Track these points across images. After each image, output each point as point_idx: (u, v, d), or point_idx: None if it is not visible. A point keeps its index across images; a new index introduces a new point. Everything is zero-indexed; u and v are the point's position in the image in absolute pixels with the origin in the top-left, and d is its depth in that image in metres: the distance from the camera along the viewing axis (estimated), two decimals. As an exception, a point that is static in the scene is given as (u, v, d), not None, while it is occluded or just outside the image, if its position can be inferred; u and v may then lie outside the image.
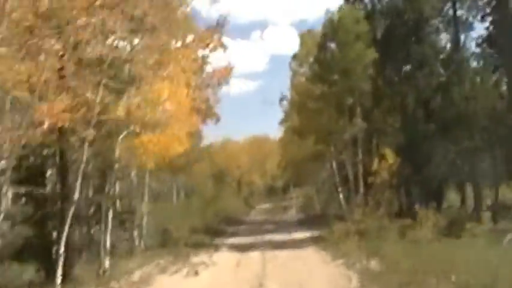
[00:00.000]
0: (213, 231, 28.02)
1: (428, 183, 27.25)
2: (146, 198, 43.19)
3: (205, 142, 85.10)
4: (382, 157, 20.40)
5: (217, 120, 19.76)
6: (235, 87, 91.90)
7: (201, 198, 55.69)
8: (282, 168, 65.21)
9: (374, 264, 13.01)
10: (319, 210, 42.53)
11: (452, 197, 33.21)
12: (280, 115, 46.89)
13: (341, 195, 40.69)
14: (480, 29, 31.03)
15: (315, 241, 20.84)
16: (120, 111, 11.05)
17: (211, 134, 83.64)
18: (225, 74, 19.41)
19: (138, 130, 11.84)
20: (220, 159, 80.00)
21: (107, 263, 13.60)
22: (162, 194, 71.41)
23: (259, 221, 39.61)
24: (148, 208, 43.25)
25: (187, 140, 13.00)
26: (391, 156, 20.20)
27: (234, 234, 27.44)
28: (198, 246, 20.84)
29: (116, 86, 10.61)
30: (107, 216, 14.37)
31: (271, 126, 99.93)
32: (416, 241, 15.20)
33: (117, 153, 12.54)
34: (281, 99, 32.27)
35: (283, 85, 38.91)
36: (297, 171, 53.42)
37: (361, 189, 28.00)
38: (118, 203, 20.13)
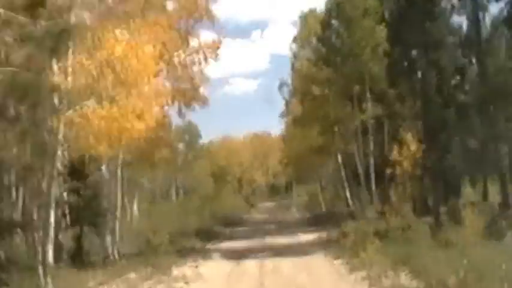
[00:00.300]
0: (208, 233, 24.73)
1: (447, 176, 24.00)
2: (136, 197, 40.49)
3: (205, 140, 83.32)
4: (403, 144, 17.04)
5: (205, 103, 16.40)
6: (236, 86, 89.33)
7: (199, 197, 52.65)
8: (284, 165, 61.88)
9: (407, 279, 9.76)
10: (325, 208, 39.32)
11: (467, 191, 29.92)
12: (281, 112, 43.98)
13: (348, 192, 37.72)
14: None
15: (324, 245, 17.57)
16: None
17: (212, 132, 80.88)
18: (213, 48, 16.11)
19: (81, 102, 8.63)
20: (221, 156, 76.86)
21: (48, 281, 10.19)
22: (161, 193, 68.81)
23: (260, 221, 36.37)
24: (138, 208, 40.39)
25: (151, 115, 9.64)
26: (413, 143, 16.88)
27: (231, 237, 24.20)
28: (186, 252, 17.63)
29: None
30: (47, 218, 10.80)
31: (272, 125, 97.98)
32: (454, 245, 11.94)
33: (60, 134, 9.23)
34: (280, 86, 28.79)
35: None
36: (299, 167, 50.14)
37: (373, 184, 24.77)
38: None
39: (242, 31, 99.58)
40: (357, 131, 25.17)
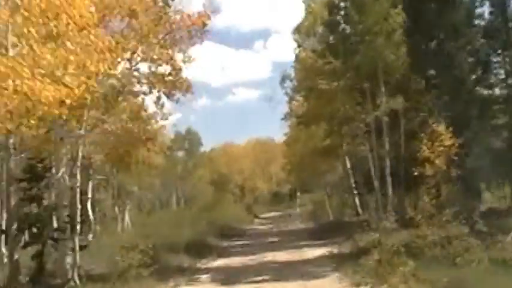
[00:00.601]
0: (202, 247, 21.43)
1: (468, 179, 20.77)
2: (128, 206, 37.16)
3: (206, 148, 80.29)
4: (434, 138, 13.76)
5: (188, 89, 13.21)
6: (238, 95, 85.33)
7: (197, 206, 49.41)
8: (287, 172, 58.73)
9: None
10: (332, 217, 36.06)
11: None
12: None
13: (357, 199, 34.53)
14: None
15: (336, 264, 14.25)
16: None
17: (214, 141, 77.64)
18: (198, 24, 12.97)
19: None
20: (222, 163, 73.78)
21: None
22: (160, 202, 65.62)
23: (262, 232, 33.05)
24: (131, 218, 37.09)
25: (79, 79, 6.43)
26: (447, 137, 13.58)
27: (227, 252, 20.91)
28: (169, 273, 14.39)
29: None
30: None
31: (275, 132, 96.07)
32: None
33: None
34: (283, 80, 25.39)
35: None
36: (304, 173, 47.07)
37: (390, 189, 21.52)
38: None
39: (245, 41, 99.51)
40: (370, 130, 21.91)
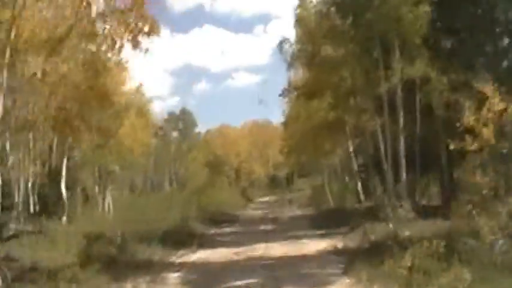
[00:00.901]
0: (183, 236, 18.21)
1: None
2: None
3: (202, 130, 76.98)
4: (482, 102, 10.34)
5: (154, 29, 9.86)
6: (238, 80, 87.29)
7: (189, 189, 46.25)
8: (285, 154, 55.50)
9: None
10: (333, 203, 32.91)
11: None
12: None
13: (359, 184, 31.48)
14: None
15: (345, 263, 10.96)
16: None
17: (210, 124, 74.61)
18: None
19: None
20: (217, 146, 70.60)
21: None
22: (153, 184, 62.59)
23: (256, 219, 29.87)
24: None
25: None
26: (496, 101, 10.17)
27: (212, 242, 17.64)
28: (130, 269, 11.20)
29: None
30: None
31: (273, 116, 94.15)
32: None
33: None
34: (280, 46, 21.76)
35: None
36: (303, 155, 43.78)
37: (404, 172, 18.29)
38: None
39: (245, 25, 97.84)
40: (382, 103, 18.55)
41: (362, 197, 31.11)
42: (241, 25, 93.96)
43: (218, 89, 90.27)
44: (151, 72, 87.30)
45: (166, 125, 69.84)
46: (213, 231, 21.76)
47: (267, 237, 18.16)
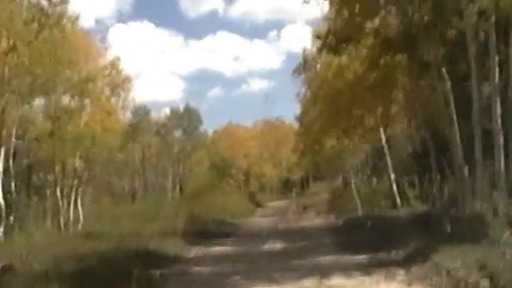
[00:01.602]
0: (140, 262, 10.87)
1: None
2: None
3: (209, 129, 69.91)
4: None
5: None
6: (253, 85, 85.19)
7: (183, 194, 39.21)
8: (299, 154, 48.18)
9: None
10: (361, 210, 25.43)
11: None
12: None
13: (394, 186, 24.31)
14: None
15: None
16: None
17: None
18: None
19: None
20: (224, 146, 63.39)
21: None
22: (154, 186, 55.42)
23: (262, 231, 22.25)
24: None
25: None
26: None
27: (172, 281, 10.21)
28: None
29: None
30: None
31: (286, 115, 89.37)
32: None
33: None
34: None
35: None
36: (320, 153, 36.70)
37: (502, 162, 10.80)
38: None
39: (259, 31, 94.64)
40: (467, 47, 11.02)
41: (398, 201, 24.05)
42: (255, 31, 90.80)
43: (232, 95, 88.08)
44: (163, 77, 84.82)
45: (168, 122, 62.91)
46: (192, 253, 14.30)
47: (270, 266, 10.71)
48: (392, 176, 25.05)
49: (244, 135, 64.29)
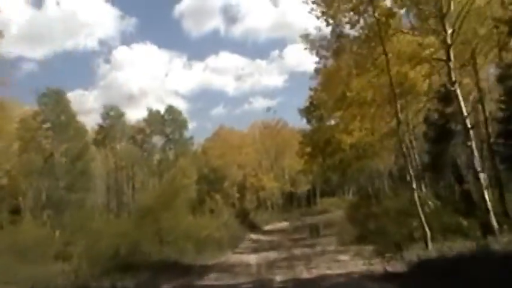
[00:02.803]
0: None
1: None
2: None
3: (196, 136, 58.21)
4: None
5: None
6: (255, 104, 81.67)
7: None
8: (305, 161, 36.37)
9: None
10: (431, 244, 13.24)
11: None
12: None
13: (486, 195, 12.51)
14: None
15: None
16: None
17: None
18: None
19: None
20: (215, 154, 51.41)
21: None
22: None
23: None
24: None
25: None
26: None
27: None
28: None
29: None
30: None
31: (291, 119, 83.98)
32: None
33: None
34: None
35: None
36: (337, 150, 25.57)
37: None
38: None
39: (261, 50, 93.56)
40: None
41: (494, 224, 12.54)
42: (257, 50, 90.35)
43: (235, 113, 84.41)
44: (167, 97, 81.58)
45: (146, 127, 51.01)
46: None
47: None
48: (483, 178, 13.44)
49: (239, 140, 52.24)
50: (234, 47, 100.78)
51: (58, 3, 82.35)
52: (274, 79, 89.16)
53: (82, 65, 76.92)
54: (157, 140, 51.14)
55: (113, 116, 50.53)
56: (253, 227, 31.98)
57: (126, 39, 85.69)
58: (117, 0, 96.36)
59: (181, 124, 52.08)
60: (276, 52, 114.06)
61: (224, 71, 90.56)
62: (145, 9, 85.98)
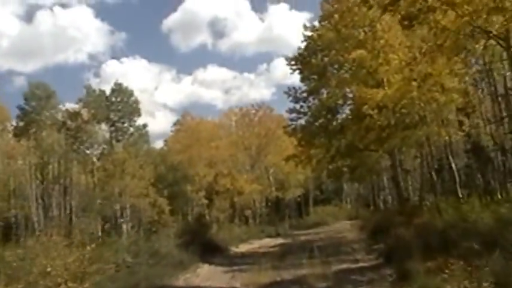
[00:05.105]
0: None
1: None
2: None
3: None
4: None
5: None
6: None
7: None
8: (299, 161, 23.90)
9: None
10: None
11: None
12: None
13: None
14: None
15: None
16: None
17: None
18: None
19: None
20: (177, 149, 38.49)
21: None
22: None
23: None
24: None
25: None
26: None
27: None
28: None
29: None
30: None
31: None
32: None
33: None
34: None
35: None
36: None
37: None
38: None
39: (248, 64, 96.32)
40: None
41: None
42: (245, 64, 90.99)
43: None
44: (157, 111, 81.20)
45: (84, 111, 37.80)
46: None
47: None
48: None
49: (208, 132, 39.28)
50: (222, 61, 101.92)
51: (48, 18, 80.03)
52: (262, 92, 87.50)
53: (72, 79, 73.05)
54: (100, 129, 38.10)
55: (39, 95, 37.54)
56: (214, 250, 18.90)
57: (116, 54, 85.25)
58: (106, 16, 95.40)
59: (133, 106, 39.10)
60: (264, 66, 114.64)
61: (212, 84, 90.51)
62: (134, 24, 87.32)
